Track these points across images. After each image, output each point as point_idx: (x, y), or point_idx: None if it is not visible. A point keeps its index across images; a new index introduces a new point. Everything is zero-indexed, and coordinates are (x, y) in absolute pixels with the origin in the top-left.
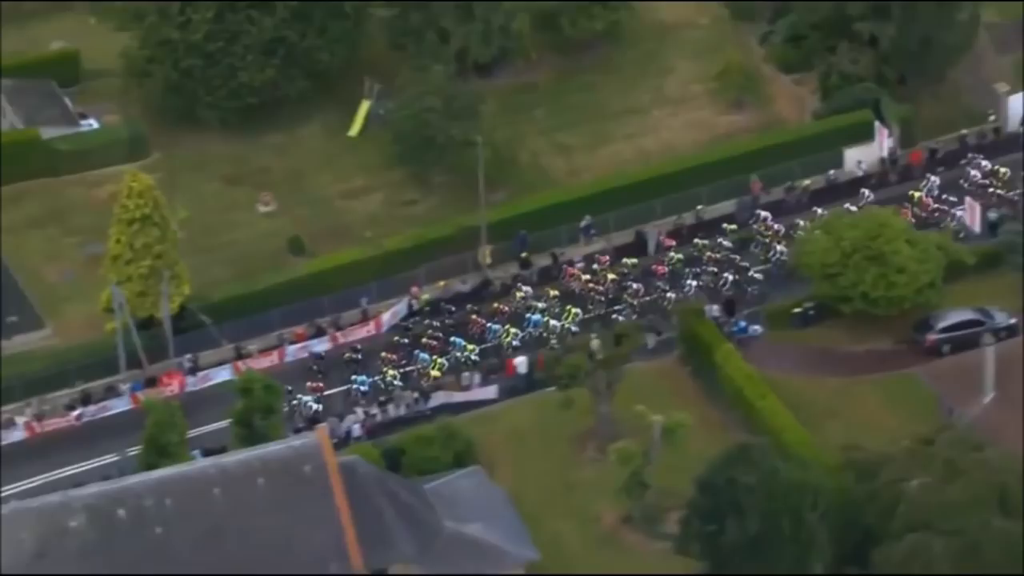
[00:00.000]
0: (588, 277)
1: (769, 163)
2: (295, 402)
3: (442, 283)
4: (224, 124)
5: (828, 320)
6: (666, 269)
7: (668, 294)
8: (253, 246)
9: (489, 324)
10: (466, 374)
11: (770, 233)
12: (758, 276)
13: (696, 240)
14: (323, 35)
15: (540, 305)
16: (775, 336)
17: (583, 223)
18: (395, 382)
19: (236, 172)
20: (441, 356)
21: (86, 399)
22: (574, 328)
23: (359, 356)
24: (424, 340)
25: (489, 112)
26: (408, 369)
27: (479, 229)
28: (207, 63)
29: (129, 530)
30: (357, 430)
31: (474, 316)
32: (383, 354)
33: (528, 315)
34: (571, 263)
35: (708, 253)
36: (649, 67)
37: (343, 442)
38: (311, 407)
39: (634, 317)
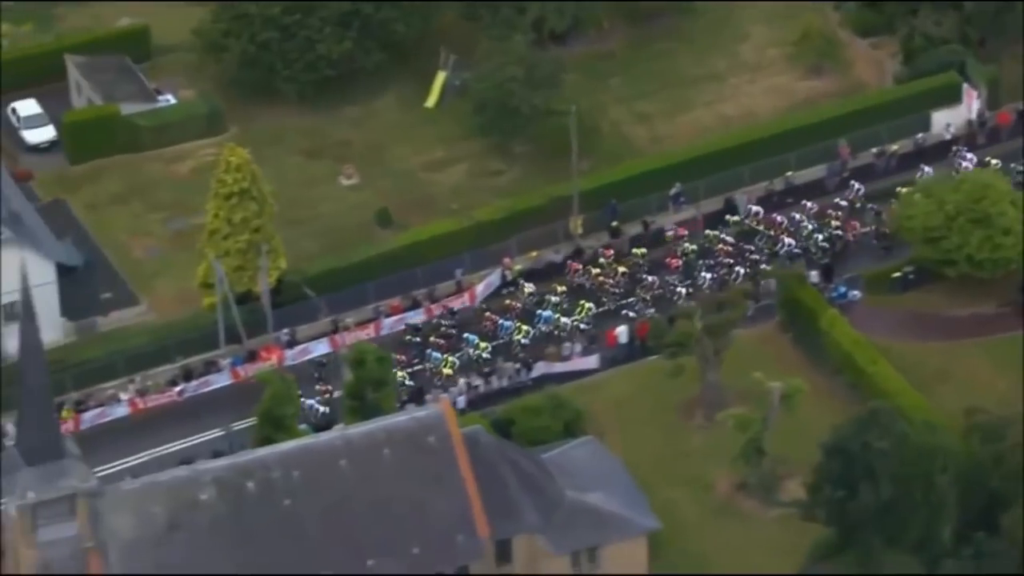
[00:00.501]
0: (598, 271)
1: (856, 128)
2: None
3: (534, 253)
4: (301, 97)
5: (927, 284)
6: (680, 262)
7: (679, 288)
8: (339, 219)
9: (501, 321)
10: (567, 344)
11: (773, 227)
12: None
13: (708, 232)
14: (398, 6)
15: (553, 299)
16: (874, 301)
17: (673, 191)
18: (406, 382)
19: (315, 145)
20: (453, 354)
21: (188, 375)
22: (583, 325)
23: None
24: (433, 339)
25: (569, 81)
26: (418, 368)
27: (570, 199)
28: (284, 36)
29: (258, 502)
30: (461, 402)
31: (487, 313)
32: (392, 355)
33: (539, 311)
34: (578, 254)
35: (720, 244)
36: (722, 34)
37: None
38: (319, 411)
39: (649, 311)
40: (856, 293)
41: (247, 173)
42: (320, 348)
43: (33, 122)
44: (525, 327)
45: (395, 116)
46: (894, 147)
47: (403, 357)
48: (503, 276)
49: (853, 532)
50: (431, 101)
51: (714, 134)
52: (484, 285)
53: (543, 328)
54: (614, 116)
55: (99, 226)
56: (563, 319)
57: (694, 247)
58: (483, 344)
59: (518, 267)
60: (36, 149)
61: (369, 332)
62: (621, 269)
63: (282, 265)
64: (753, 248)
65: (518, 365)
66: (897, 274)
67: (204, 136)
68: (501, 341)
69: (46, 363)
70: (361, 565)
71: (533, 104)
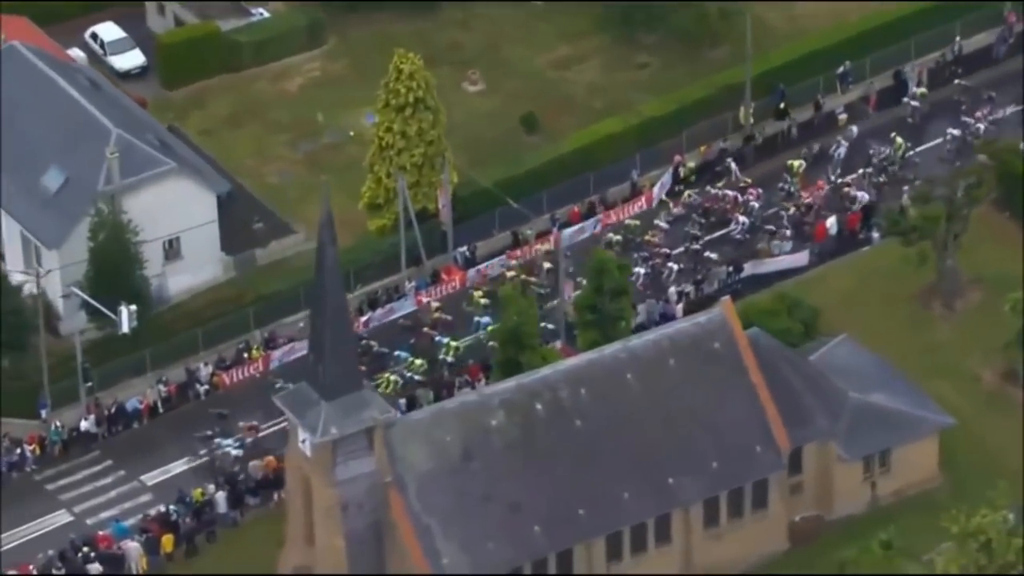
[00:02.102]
0: (513, 274)
1: None
2: (215, 447)
3: (703, 148)
4: (396, 1)
5: None
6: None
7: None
8: (477, 128)
9: (437, 337)
10: (776, 242)
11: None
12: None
13: (628, 222)
14: None
15: (482, 300)
16: None
17: (840, 70)
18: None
19: (426, 52)
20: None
21: (372, 303)
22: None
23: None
24: (375, 349)
25: None
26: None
27: (737, 87)
28: None
29: (549, 425)
30: (679, 312)
31: (425, 329)
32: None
33: (477, 318)
34: (749, 140)
35: (647, 237)
36: None
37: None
38: (231, 454)
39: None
40: None
41: (421, 81)
42: (501, 265)
43: (119, 47)
44: (454, 343)
45: (503, 14)
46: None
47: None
48: (675, 174)
49: None
50: None
51: (857, 12)
52: (659, 186)
53: (481, 336)
54: None
55: (222, 153)
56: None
57: (618, 237)
58: (418, 362)
59: (691, 163)
60: (126, 75)
61: (548, 243)
62: (547, 265)
63: (455, 179)
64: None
65: (730, 267)
66: None
67: (304, 50)
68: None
69: (343, 285)
70: (661, 484)
71: None
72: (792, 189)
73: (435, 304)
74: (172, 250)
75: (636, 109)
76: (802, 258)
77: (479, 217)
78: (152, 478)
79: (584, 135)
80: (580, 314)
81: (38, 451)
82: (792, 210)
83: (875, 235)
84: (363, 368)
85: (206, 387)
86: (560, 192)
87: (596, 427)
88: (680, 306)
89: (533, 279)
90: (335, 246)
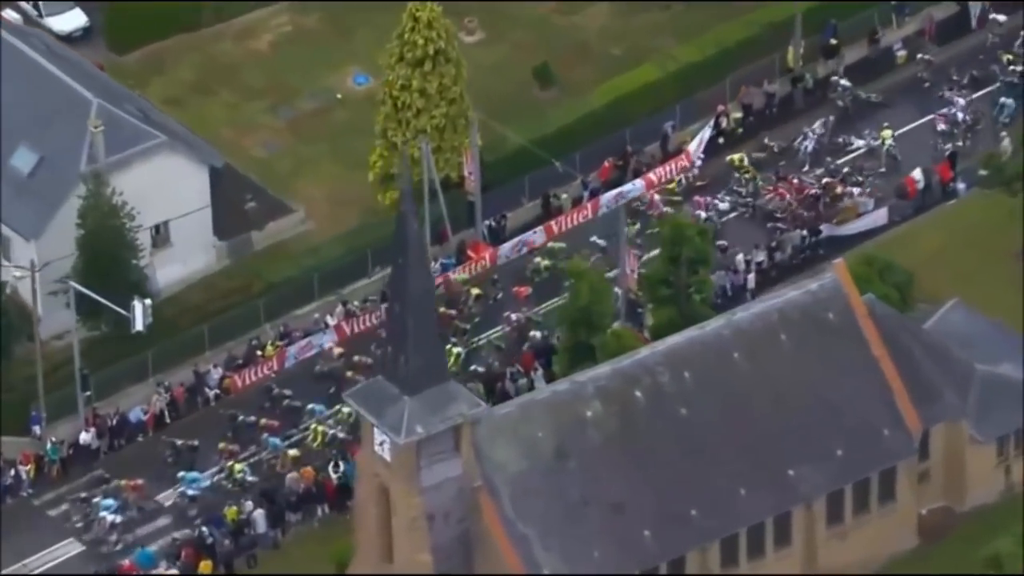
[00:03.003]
0: (443, 308)
1: None
2: (90, 512)
3: (742, 89)
4: None
5: None
6: (528, 290)
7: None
8: (485, 82)
9: (312, 405)
10: (862, 199)
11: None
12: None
13: (552, 244)
14: None
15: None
16: None
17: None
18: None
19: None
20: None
21: None
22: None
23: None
24: (264, 422)
25: None
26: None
27: (785, 23)
28: None
29: (651, 415)
30: (751, 281)
31: (349, 374)
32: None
33: (311, 406)
34: (798, 81)
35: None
36: None
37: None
38: (107, 520)
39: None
40: None
41: (441, 30)
42: (536, 238)
43: (57, 6)
44: (346, 410)
45: None
46: None
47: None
48: (717, 125)
49: None
50: None
51: None
52: (697, 142)
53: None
54: None
55: (193, 124)
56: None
57: (547, 263)
58: (292, 452)
59: (736, 114)
60: (67, 39)
61: (586, 212)
62: (475, 292)
63: (478, 141)
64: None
65: (804, 232)
66: None
67: (270, 1)
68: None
69: (427, 263)
70: (780, 477)
71: None
72: (748, 189)
73: (337, 351)
74: (160, 236)
75: (671, 54)
76: (882, 216)
77: (505, 185)
78: (168, 498)
79: (615, 86)
80: (651, 290)
81: (34, 472)
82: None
83: (961, 186)
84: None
85: (216, 391)
86: (593, 153)
87: (703, 415)
88: (751, 276)
89: (453, 313)
90: (414, 217)
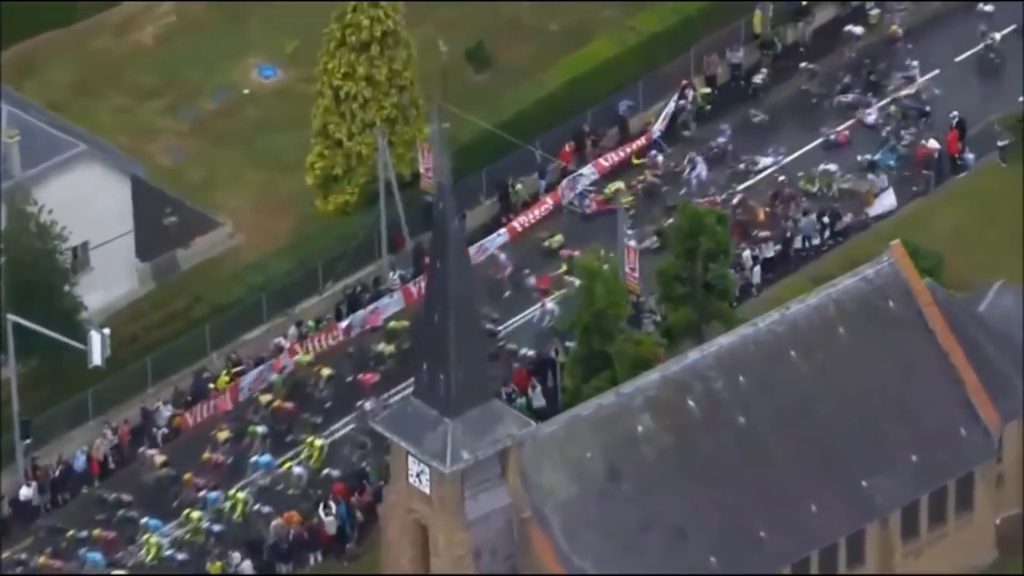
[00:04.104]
0: (280, 401)
1: None
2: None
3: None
4: None
5: None
6: (375, 377)
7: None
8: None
9: (205, 492)
10: (873, 177)
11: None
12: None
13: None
14: None
15: (259, 431)
16: None
17: None
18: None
19: None
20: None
21: (353, 302)
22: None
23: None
24: (97, 532)
25: None
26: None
27: None
28: None
29: (707, 426)
30: (756, 275)
31: (187, 476)
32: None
33: (255, 458)
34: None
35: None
36: None
37: None
38: None
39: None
40: None
41: (388, 8)
42: (499, 240)
43: None
44: (241, 494)
45: None
46: None
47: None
48: (682, 98)
49: None
50: None
51: None
52: (660, 120)
53: (261, 481)
54: None
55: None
56: (296, 469)
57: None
58: (161, 542)
59: (704, 89)
60: None
61: (547, 205)
62: (326, 372)
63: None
64: None
65: (817, 224)
66: None
67: None
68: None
69: (469, 267)
70: (854, 490)
71: None
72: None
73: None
74: (79, 259)
75: (629, 25)
76: (889, 201)
77: (460, 181)
78: (129, 554)
79: (572, 64)
80: (666, 288)
81: None
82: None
83: (970, 156)
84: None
85: (164, 430)
86: (555, 138)
87: (763, 423)
88: (757, 269)
89: (290, 407)
90: (453, 212)
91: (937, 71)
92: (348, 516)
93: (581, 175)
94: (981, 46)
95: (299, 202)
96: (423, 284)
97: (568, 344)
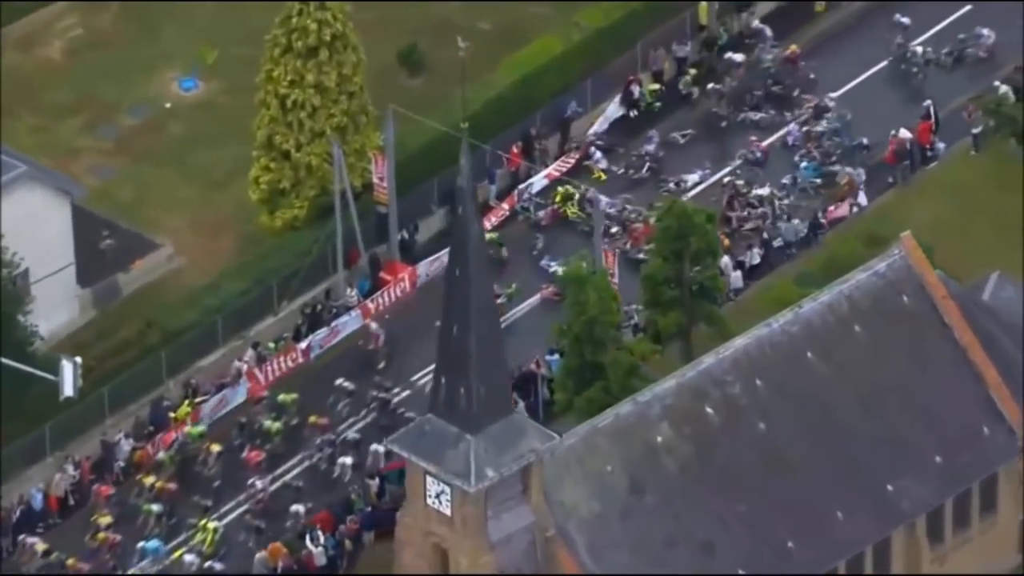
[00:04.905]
0: (164, 482)
1: None
2: None
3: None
4: None
5: None
6: (261, 456)
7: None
8: None
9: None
10: (850, 170)
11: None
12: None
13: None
14: None
15: (154, 509)
16: None
17: None
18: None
19: None
20: None
21: (313, 321)
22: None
23: None
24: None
25: None
26: None
27: None
28: None
29: (727, 433)
30: (737, 280)
31: (71, 562)
32: None
33: (142, 544)
34: (709, 46)
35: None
36: None
37: None
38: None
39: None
40: None
41: (337, 11)
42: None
43: None
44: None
45: None
46: None
47: None
48: (629, 96)
49: None
50: None
51: None
52: (601, 121)
53: (147, 567)
54: None
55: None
56: (188, 557)
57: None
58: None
59: (652, 86)
60: None
61: (503, 211)
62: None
63: (378, 142)
64: None
65: (796, 220)
66: None
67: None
68: None
69: (492, 277)
70: (880, 495)
71: None
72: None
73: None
74: (18, 287)
75: (574, 21)
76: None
77: (409, 191)
78: None
79: (518, 63)
80: (654, 293)
81: None
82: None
83: (940, 146)
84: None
85: (122, 464)
86: (507, 141)
87: (783, 428)
88: (737, 274)
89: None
90: (475, 218)
91: (845, 88)
92: (337, 545)
93: (532, 184)
94: (892, 59)
95: (238, 219)
96: (380, 300)
97: (550, 358)
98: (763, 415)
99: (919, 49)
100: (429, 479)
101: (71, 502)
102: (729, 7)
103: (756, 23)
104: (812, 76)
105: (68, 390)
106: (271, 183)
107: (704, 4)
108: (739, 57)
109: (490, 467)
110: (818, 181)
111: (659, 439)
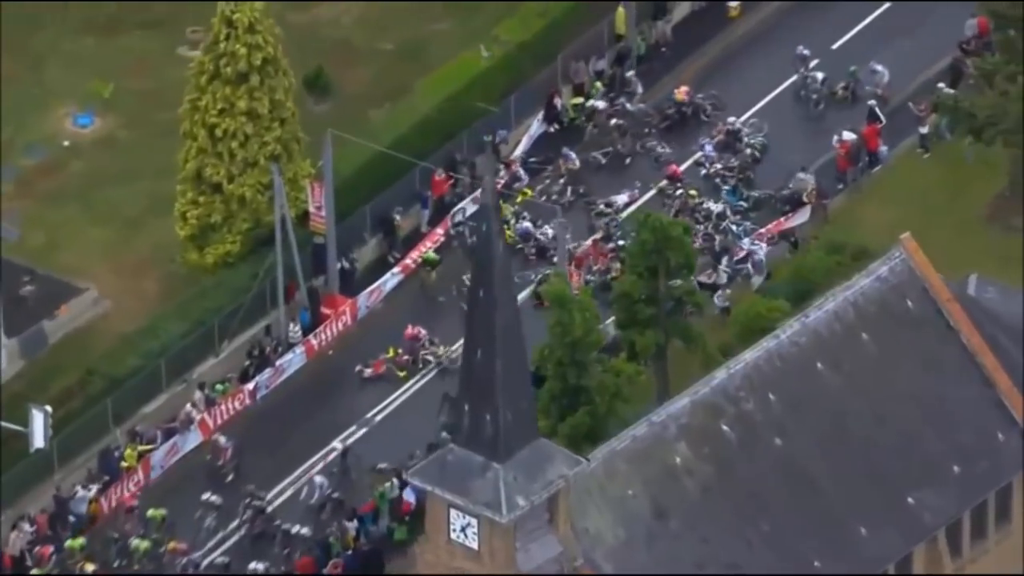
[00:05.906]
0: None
1: None
2: None
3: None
4: None
5: None
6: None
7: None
8: None
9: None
10: (805, 176)
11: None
12: None
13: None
14: None
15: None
16: None
17: None
18: None
19: (113, 18)
20: None
21: (261, 361)
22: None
23: None
24: None
25: None
26: None
27: None
28: None
29: (744, 451)
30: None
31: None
32: None
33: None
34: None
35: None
36: None
37: None
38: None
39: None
40: None
41: (269, 34)
42: (394, 282)
43: None
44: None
45: None
46: None
47: None
48: (552, 111)
49: None
50: None
51: None
52: (526, 140)
53: None
54: None
55: None
56: None
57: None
58: None
59: (575, 99)
60: None
61: (438, 238)
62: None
63: (310, 169)
64: None
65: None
66: None
67: None
68: None
69: (516, 297)
70: (901, 508)
71: None
72: None
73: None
74: None
75: (493, 35)
76: (803, 214)
77: (342, 220)
78: None
79: (439, 82)
80: (628, 312)
81: None
82: None
83: (883, 149)
84: None
85: (74, 519)
86: (437, 163)
87: (801, 443)
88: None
89: None
90: (497, 226)
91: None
92: None
93: (463, 208)
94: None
95: (159, 258)
96: (323, 335)
97: None
98: (779, 431)
99: (819, 75)
100: (453, 512)
101: (28, 561)
102: (646, 13)
103: (630, 74)
104: (709, 108)
105: (39, 441)
106: (200, 218)
107: (621, 11)
108: (601, 104)
109: (520, 496)
110: (744, 204)
111: (678, 460)
